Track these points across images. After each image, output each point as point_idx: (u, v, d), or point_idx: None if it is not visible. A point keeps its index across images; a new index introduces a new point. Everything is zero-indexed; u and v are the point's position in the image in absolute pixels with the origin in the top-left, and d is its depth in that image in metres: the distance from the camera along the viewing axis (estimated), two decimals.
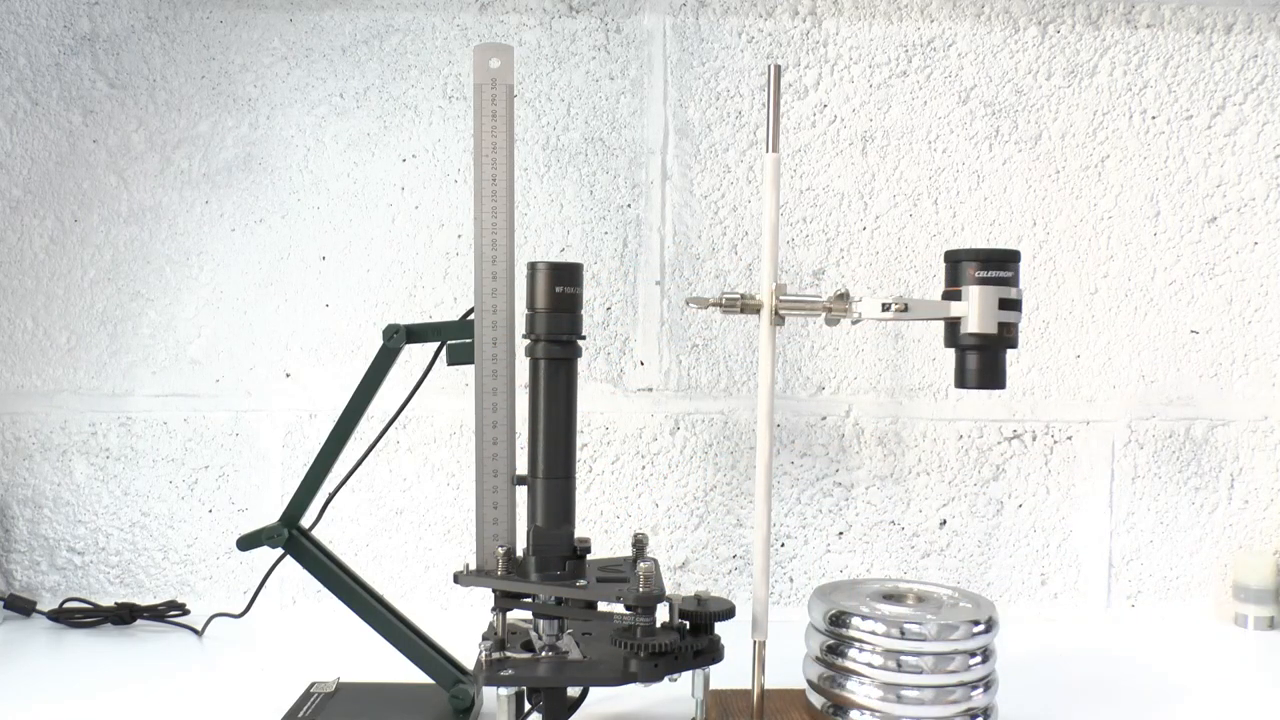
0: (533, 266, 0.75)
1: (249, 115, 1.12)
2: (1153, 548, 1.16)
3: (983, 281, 0.76)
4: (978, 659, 0.76)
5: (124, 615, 1.06)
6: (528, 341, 0.75)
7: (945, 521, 1.15)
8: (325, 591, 0.82)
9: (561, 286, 0.74)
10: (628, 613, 0.73)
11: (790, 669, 0.82)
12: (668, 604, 0.74)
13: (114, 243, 1.12)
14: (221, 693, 0.88)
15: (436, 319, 1.12)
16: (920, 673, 0.74)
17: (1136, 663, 0.99)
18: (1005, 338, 0.76)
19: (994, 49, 1.13)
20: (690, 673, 0.74)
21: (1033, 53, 1.13)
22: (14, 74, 1.12)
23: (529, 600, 0.76)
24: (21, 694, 0.88)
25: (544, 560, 0.75)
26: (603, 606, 0.74)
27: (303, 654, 0.97)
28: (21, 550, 1.13)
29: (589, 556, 0.78)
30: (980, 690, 0.76)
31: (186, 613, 1.08)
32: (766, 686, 0.80)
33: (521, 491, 0.78)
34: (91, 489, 1.13)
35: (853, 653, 0.76)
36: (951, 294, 0.77)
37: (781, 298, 0.78)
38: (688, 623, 0.73)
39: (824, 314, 0.79)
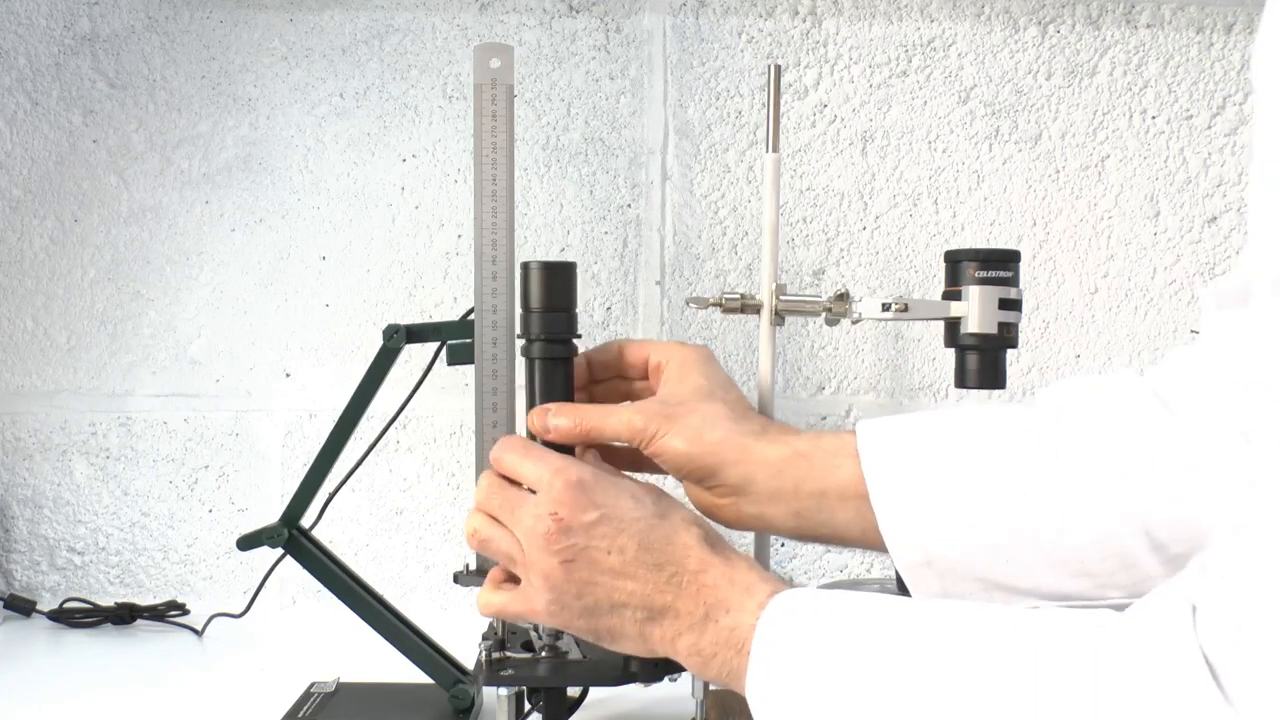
0: (525, 266, 0.74)
1: (249, 115, 1.12)
2: None
3: (983, 281, 0.75)
4: None
5: (124, 615, 1.06)
6: (523, 342, 0.75)
7: None
8: (325, 591, 0.82)
9: (554, 285, 0.73)
10: None
11: None
12: None
13: (114, 243, 1.12)
14: (221, 693, 0.88)
15: (436, 319, 1.12)
16: None
17: None
18: (1005, 338, 0.76)
19: (994, 49, 1.13)
20: (690, 673, 0.74)
21: (1033, 53, 1.13)
22: (14, 74, 1.12)
23: None
24: (21, 694, 0.88)
25: None
26: None
27: (303, 654, 0.97)
28: (21, 550, 1.13)
29: None
30: None
31: (186, 613, 1.08)
32: None
33: None
34: (91, 489, 1.13)
35: None
36: (951, 294, 0.77)
37: (781, 298, 0.78)
38: None
39: (824, 314, 0.79)
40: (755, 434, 0.66)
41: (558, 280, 0.72)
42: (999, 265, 0.76)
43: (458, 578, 0.76)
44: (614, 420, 0.67)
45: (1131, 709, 0.40)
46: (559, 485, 0.59)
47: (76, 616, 1.07)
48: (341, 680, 0.86)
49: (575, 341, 0.74)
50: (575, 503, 0.59)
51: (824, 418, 1.14)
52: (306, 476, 0.83)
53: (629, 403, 0.69)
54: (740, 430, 0.66)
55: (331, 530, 1.11)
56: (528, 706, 0.74)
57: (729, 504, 0.66)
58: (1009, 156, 1.14)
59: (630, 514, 0.59)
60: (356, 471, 0.86)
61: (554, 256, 1.12)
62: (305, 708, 0.80)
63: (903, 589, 0.65)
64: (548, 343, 0.72)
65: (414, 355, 0.84)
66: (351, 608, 0.82)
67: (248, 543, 0.82)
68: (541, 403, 0.70)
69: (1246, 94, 1.14)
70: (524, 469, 0.62)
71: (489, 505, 0.63)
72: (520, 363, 0.75)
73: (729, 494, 0.66)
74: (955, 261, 0.77)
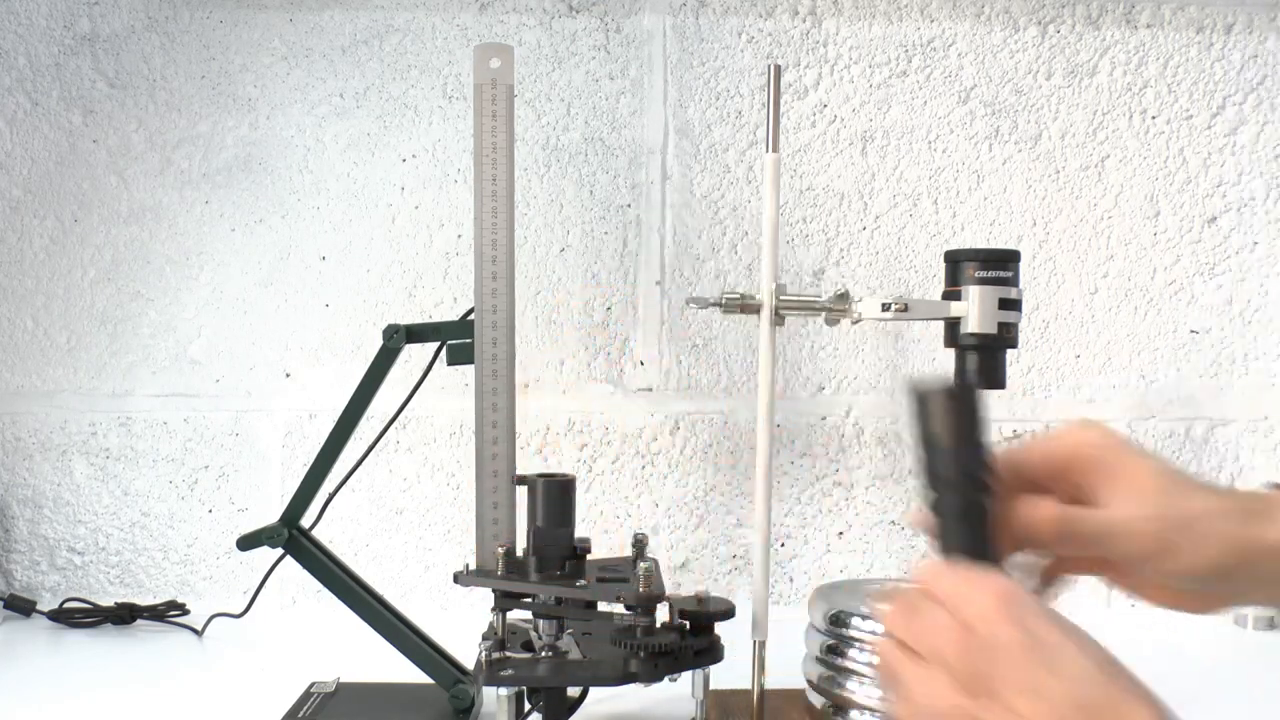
0: (922, 395, 0.55)
1: (249, 115, 1.12)
2: None
3: (983, 281, 0.76)
4: None
5: (124, 615, 1.06)
6: (926, 491, 0.56)
7: None
8: (325, 591, 0.82)
9: (961, 413, 0.55)
10: (628, 613, 0.73)
11: (790, 669, 0.82)
12: (667, 604, 0.74)
13: (114, 243, 1.12)
14: (221, 693, 0.88)
15: (436, 319, 1.12)
16: None
17: (1136, 663, 0.99)
18: (1005, 338, 0.76)
19: (994, 49, 1.13)
20: (690, 673, 0.74)
21: (1033, 53, 1.13)
22: (14, 74, 1.12)
23: (529, 600, 0.76)
24: (21, 694, 0.87)
25: (544, 560, 0.75)
26: (603, 606, 0.74)
27: (303, 654, 0.97)
28: (21, 550, 1.13)
29: (589, 556, 0.78)
30: None
31: (186, 613, 1.08)
32: (766, 686, 0.80)
33: (521, 491, 0.78)
34: (91, 489, 1.13)
35: (853, 653, 0.76)
36: (951, 294, 0.77)
37: (781, 298, 0.78)
38: (688, 623, 0.73)
39: (824, 314, 0.79)
40: (1239, 520, 0.52)
41: (964, 406, 0.56)
42: (999, 265, 0.76)
43: (458, 578, 0.76)
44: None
45: None
46: (980, 596, 0.47)
47: (76, 616, 1.07)
48: (341, 680, 0.86)
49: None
50: (996, 617, 0.45)
51: (824, 418, 1.14)
52: (306, 476, 0.83)
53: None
54: (1238, 530, 0.52)
55: (331, 530, 1.11)
56: (528, 706, 0.74)
57: (1211, 600, 0.55)
58: (1009, 156, 1.14)
59: (1068, 655, 0.45)
60: (356, 471, 0.86)
61: (554, 256, 1.12)
62: (305, 708, 0.80)
63: None
64: (965, 486, 0.54)
65: (414, 355, 0.85)
66: (351, 608, 0.82)
67: (248, 543, 0.82)
68: (966, 558, 0.53)
69: (1246, 94, 1.14)
70: (941, 583, 0.50)
71: (897, 627, 0.50)
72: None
73: (1221, 595, 0.55)
74: (955, 261, 0.77)
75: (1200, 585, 0.53)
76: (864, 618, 0.76)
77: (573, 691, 0.78)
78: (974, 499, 0.54)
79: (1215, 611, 0.57)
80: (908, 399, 0.55)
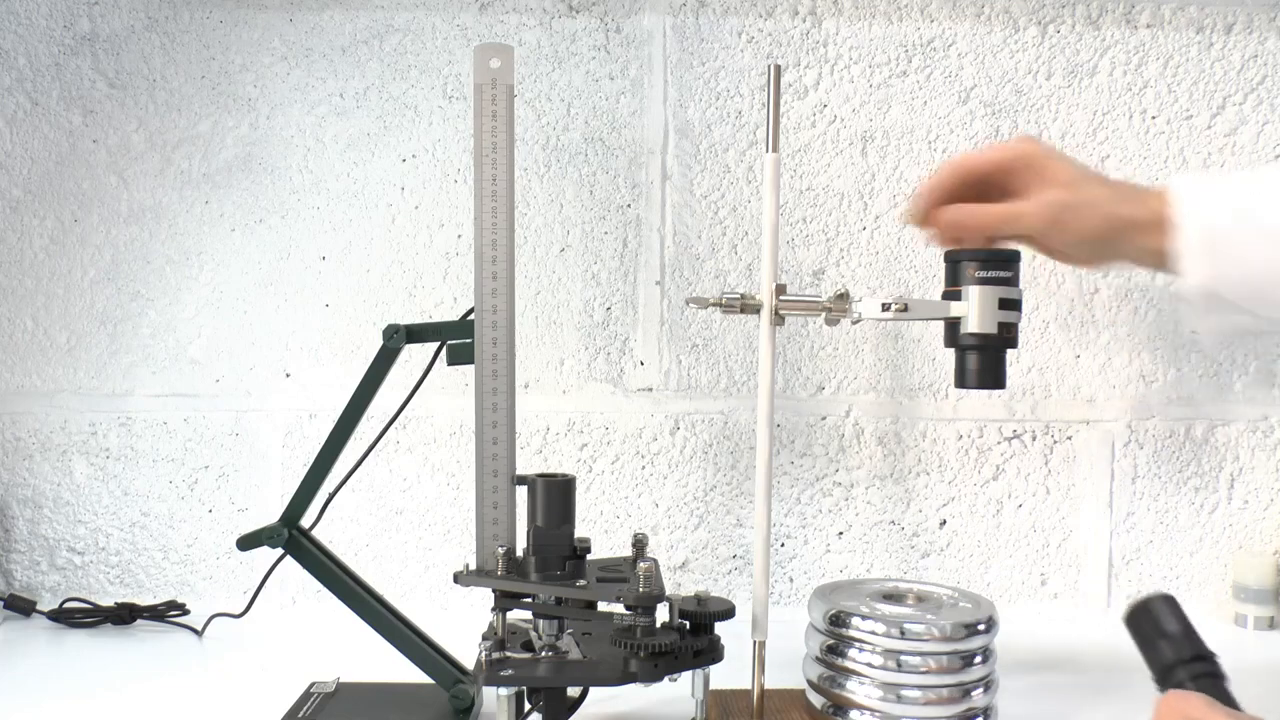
0: (1138, 610, 0.69)
1: (249, 115, 1.12)
2: (1152, 548, 1.16)
3: (983, 281, 0.76)
4: (978, 659, 0.76)
5: (124, 615, 1.06)
6: (1159, 683, 0.67)
7: (945, 521, 1.15)
8: (325, 591, 0.82)
9: (1172, 612, 0.68)
10: (628, 613, 0.73)
11: (790, 669, 0.82)
12: (668, 604, 0.74)
13: (114, 243, 1.12)
14: (221, 693, 0.88)
15: (436, 319, 1.12)
16: (920, 673, 0.74)
17: (1137, 663, 0.99)
18: (1005, 338, 0.76)
19: (994, 49, 1.13)
20: (690, 673, 0.74)
21: (1033, 53, 1.13)
22: (14, 74, 1.12)
23: (529, 600, 0.76)
24: (21, 694, 0.88)
25: (544, 560, 0.76)
26: (603, 606, 0.74)
27: (303, 654, 0.97)
28: (21, 550, 1.13)
29: (589, 556, 0.79)
30: (980, 690, 0.76)
31: (186, 613, 1.08)
32: (766, 686, 0.80)
33: (521, 491, 0.78)
34: (91, 489, 1.13)
35: (853, 653, 0.76)
36: (951, 294, 0.77)
37: (781, 298, 0.78)
38: (688, 623, 0.73)
39: (824, 314, 0.79)
40: (1114, 203, 0.72)
41: (1172, 607, 0.68)
42: (999, 265, 0.76)
43: (458, 578, 0.76)
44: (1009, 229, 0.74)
45: None
46: (1162, 710, 0.56)
47: (76, 616, 1.07)
48: (341, 680, 0.86)
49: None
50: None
51: (824, 418, 1.14)
52: (306, 476, 0.83)
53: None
54: (1112, 210, 0.72)
55: (331, 530, 1.11)
56: (528, 706, 0.75)
57: (1094, 260, 0.76)
58: None
59: None
60: (356, 471, 0.86)
61: (554, 256, 1.12)
62: (305, 708, 0.80)
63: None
64: (1186, 664, 0.65)
65: (414, 355, 0.85)
66: (351, 608, 0.82)
67: (248, 543, 0.82)
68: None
69: (1246, 94, 1.14)
70: None
71: None
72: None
73: (1101, 256, 0.75)
74: (955, 261, 0.77)
75: (1086, 249, 0.73)
76: (864, 618, 0.76)
77: (573, 691, 0.78)
78: (1195, 671, 0.64)
79: (1098, 268, 0.87)
80: (1126, 626, 0.68)
